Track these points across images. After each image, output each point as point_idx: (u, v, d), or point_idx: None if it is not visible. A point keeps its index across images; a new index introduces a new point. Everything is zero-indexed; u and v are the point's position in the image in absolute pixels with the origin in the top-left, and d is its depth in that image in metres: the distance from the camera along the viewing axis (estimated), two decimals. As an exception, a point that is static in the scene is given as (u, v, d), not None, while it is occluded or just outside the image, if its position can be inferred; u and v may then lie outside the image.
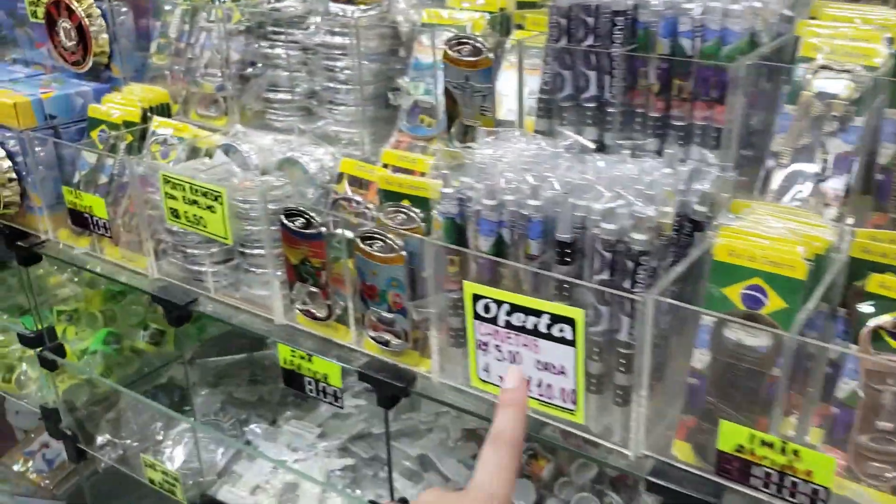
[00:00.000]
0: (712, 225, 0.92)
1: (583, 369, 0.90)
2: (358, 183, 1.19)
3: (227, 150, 1.36)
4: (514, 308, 0.92)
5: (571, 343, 0.89)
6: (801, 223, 0.90)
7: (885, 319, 0.84)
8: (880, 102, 0.93)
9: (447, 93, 1.13)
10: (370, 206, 1.16)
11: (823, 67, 0.95)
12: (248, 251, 1.23)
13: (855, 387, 0.84)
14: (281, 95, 1.38)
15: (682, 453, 0.90)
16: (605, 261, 0.87)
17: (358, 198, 1.17)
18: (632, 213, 0.85)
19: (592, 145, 1.03)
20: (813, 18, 1.01)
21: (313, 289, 1.13)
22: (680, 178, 0.90)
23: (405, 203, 1.07)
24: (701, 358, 0.89)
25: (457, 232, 0.99)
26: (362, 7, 1.26)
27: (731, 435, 0.85)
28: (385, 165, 1.23)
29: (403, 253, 1.02)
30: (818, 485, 0.80)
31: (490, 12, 1.24)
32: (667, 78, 0.97)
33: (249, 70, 1.43)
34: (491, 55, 1.07)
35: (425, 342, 1.08)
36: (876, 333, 0.85)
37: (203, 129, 1.46)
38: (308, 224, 1.09)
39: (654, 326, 0.85)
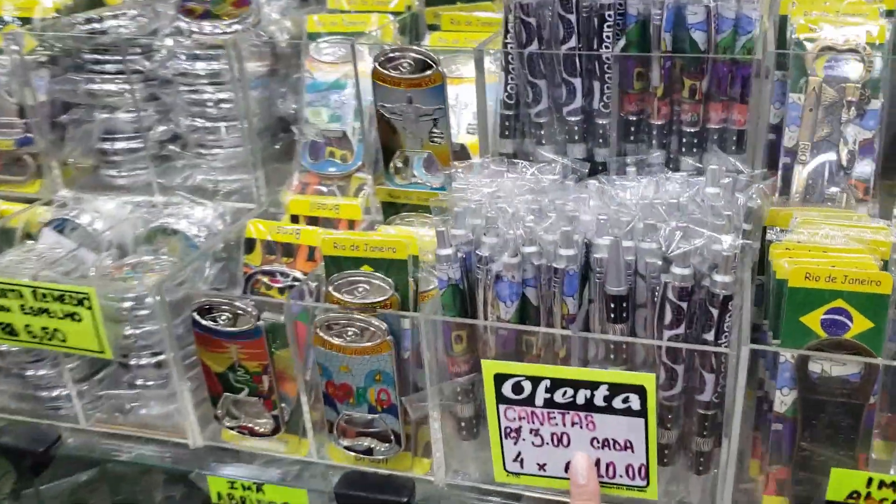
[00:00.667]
0: (755, 243, 0.79)
1: (654, 440, 0.73)
2: (276, 249, 0.92)
3: (60, 226, 1.01)
4: (557, 383, 0.72)
5: (639, 413, 0.72)
6: (855, 227, 0.79)
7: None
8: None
9: (381, 119, 0.90)
10: (302, 277, 0.89)
11: (827, 48, 0.85)
12: (134, 362, 0.91)
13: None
14: (122, 144, 1.05)
15: (779, 513, 0.77)
16: (680, 312, 0.70)
17: (285, 269, 0.90)
18: (709, 250, 0.69)
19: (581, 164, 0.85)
20: (795, -6, 0.91)
21: (251, 398, 0.85)
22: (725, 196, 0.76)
23: (366, 269, 0.82)
24: (784, 400, 0.75)
25: (461, 299, 0.77)
26: (226, 21, 0.98)
27: (844, 481, 0.72)
28: (294, 218, 0.97)
29: (389, 338, 0.78)
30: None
31: (396, 13, 1.01)
32: (674, 78, 0.81)
33: (65, 116, 1.08)
34: (442, 70, 0.85)
35: (416, 438, 0.85)
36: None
37: (8, 201, 1.09)
38: (235, 319, 0.81)
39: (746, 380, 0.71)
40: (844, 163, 0.84)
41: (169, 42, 0.97)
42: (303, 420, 0.86)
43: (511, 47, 0.84)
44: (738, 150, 0.83)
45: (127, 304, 0.87)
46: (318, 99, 0.99)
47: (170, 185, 1.04)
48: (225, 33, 0.96)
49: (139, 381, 0.92)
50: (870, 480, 0.71)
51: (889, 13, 0.87)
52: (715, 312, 0.69)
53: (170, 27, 0.99)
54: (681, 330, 0.71)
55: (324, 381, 0.82)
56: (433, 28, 1.02)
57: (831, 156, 0.85)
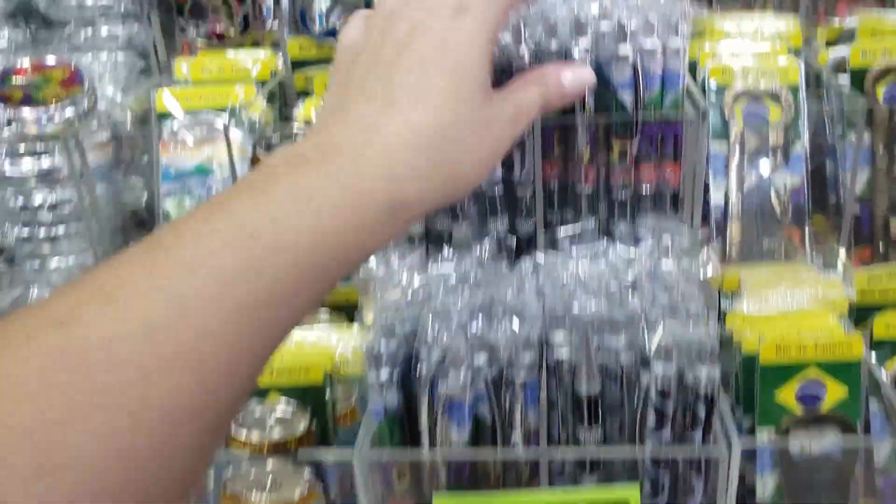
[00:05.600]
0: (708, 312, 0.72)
1: (640, 562, 0.64)
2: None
3: None
4: (525, 511, 0.62)
5: (622, 533, 0.62)
6: (807, 284, 0.74)
7: None
8: (814, 124, 0.81)
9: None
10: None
11: (743, 93, 0.80)
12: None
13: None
14: (-73, 264, 0.84)
15: None
16: (663, 413, 0.61)
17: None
18: (684, 339, 0.61)
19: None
20: (700, 36, 0.85)
21: None
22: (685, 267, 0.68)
23: (272, 399, 0.68)
24: (767, 485, 0.68)
25: (400, 429, 0.64)
26: (54, 106, 0.80)
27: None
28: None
29: (317, 489, 0.64)
30: None
31: (260, 82, 0.87)
32: (600, 141, 0.73)
33: None
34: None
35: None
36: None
37: None
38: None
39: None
40: (777, 213, 0.79)
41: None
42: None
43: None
44: (674, 211, 0.75)
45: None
46: (178, 188, 0.83)
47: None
48: (53, 121, 0.78)
49: None
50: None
51: (797, 52, 0.83)
52: (702, 409, 0.61)
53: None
54: (666, 433, 0.62)
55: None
56: (304, 94, 0.89)
57: (763, 206, 0.80)
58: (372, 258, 0.71)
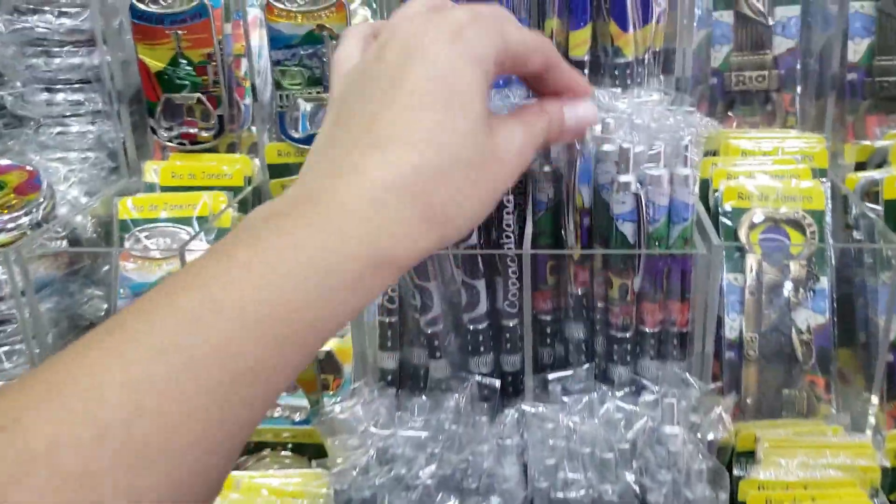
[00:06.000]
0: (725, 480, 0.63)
1: None
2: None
3: None
4: None
5: None
6: (833, 447, 0.64)
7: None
8: (840, 254, 0.73)
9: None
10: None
11: (762, 220, 0.72)
12: None
13: None
14: None
15: None
16: None
17: None
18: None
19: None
20: (714, 154, 0.78)
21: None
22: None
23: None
24: None
25: None
26: (6, 216, 0.73)
27: None
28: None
29: None
30: None
31: (233, 188, 0.80)
32: (597, 276, 0.65)
33: None
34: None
35: None
36: None
37: None
38: None
39: None
40: (800, 356, 0.70)
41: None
42: None
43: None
44: (680, 354, 0.66)
45: None
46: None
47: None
48: (2, 231, 0.72)
49: None
50: None
51: (822, 172, 0.75)
52: None
53: None
54: None
55: None
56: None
57: (783, 349, 0.71)
58: (337, 405, 0.63)
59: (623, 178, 0.61)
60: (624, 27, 0.74)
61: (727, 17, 0.80)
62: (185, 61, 0.77)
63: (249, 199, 0.81)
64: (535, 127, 0.46)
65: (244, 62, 0.81)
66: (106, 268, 0.79)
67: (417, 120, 0.39)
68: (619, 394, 0.65)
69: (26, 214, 0.74)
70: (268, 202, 0.39)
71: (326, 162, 0.40)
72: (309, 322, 0.34)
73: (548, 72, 0.47)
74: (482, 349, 0.68)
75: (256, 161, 0.82)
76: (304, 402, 0.75)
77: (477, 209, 0.41)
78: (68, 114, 0.83)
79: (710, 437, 0.61)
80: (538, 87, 0.49)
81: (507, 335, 0.68)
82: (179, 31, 0.75)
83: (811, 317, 0.71)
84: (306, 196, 0.38)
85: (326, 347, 0.75)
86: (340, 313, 0.36)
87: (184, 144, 0.82)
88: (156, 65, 0.78)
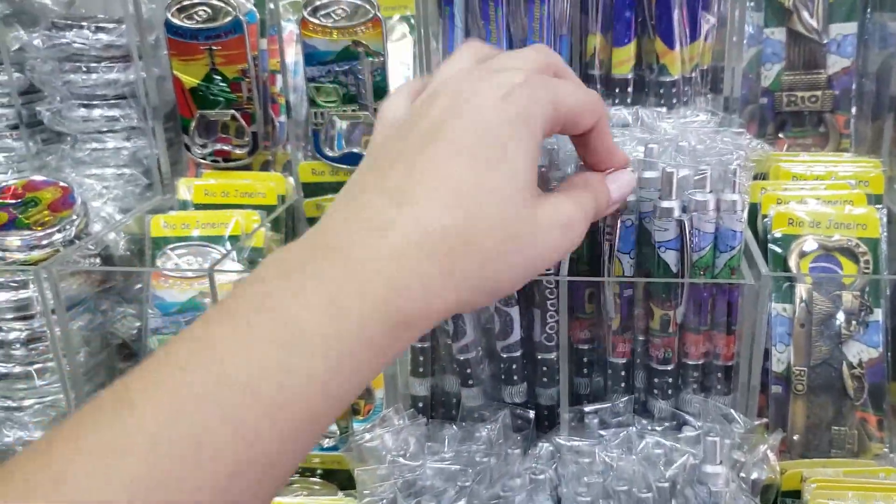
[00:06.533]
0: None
1: None
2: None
3: None
4: None
5: None
6: (886, 489, 0.61)
7: None
8: (896, 285, 0.69)
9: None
10: None
11: (817, 248, 0.69)
12: None
13: None
14: None
15: None
16: None
17: None
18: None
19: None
20: (764, 178, 0.75)
21: None
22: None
23: None
24: None
25: None
26: (40, 233, 0.73)
27: None
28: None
29: None
30: None
31: (266, 206, 0.79)
32: (633, 308, 0.63)
33: None
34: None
35: None
36: None
37: None
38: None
39: None
40: (851, 392, 0.67)
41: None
42: None
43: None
44: (724, 388, 0.64)
45: None
46: (167, 324, 0.75)
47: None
48: (36, 248, 0.72)
49: None
50: None
51: (877, 198, 0.72)
52: None
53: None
54: None
55: None
56: (315, 222, 0.80)
57: (833, 384, 0.67)
58: (366, 433, 0.62)
59: (666, 204, 0.58)
60: (670, 44, 0.71)
61: (779, 34, 0.77)
62: (219, 77, 0.76)
63: (283, 218, 0.79)
64: (584, 203, 0.43)
65: (279, 78, 0.81)
66: (138, 286, 0.79)
67: (454, 173, 0.36)
68: (658, 428, 0.62)
69: (59, 231, 0.74)
70: (282, 249, 0.37)
71: (350, 212, 0.37)
72: (322, 391, 0.32)
73: (593, 132, 0.45)
74: (515, 378, 0.65)
75: (290, 179, 0.81)
76: (334, 427, 0.74)
77: (505, 282, 0.38)
78: (104, 129, 0.82)
79: (755, 476, 0.58)
80: (578, 143, 0.47)
81: (545, 368, 0.65)
82: (214, 47, 0.74)
83: (863, 350, 0.67)
84: (324, 247, 0.36)
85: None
86: (353, 382, 0.34)
87: (217, 161, 0.81)
88: (190, 81, 0.77)
